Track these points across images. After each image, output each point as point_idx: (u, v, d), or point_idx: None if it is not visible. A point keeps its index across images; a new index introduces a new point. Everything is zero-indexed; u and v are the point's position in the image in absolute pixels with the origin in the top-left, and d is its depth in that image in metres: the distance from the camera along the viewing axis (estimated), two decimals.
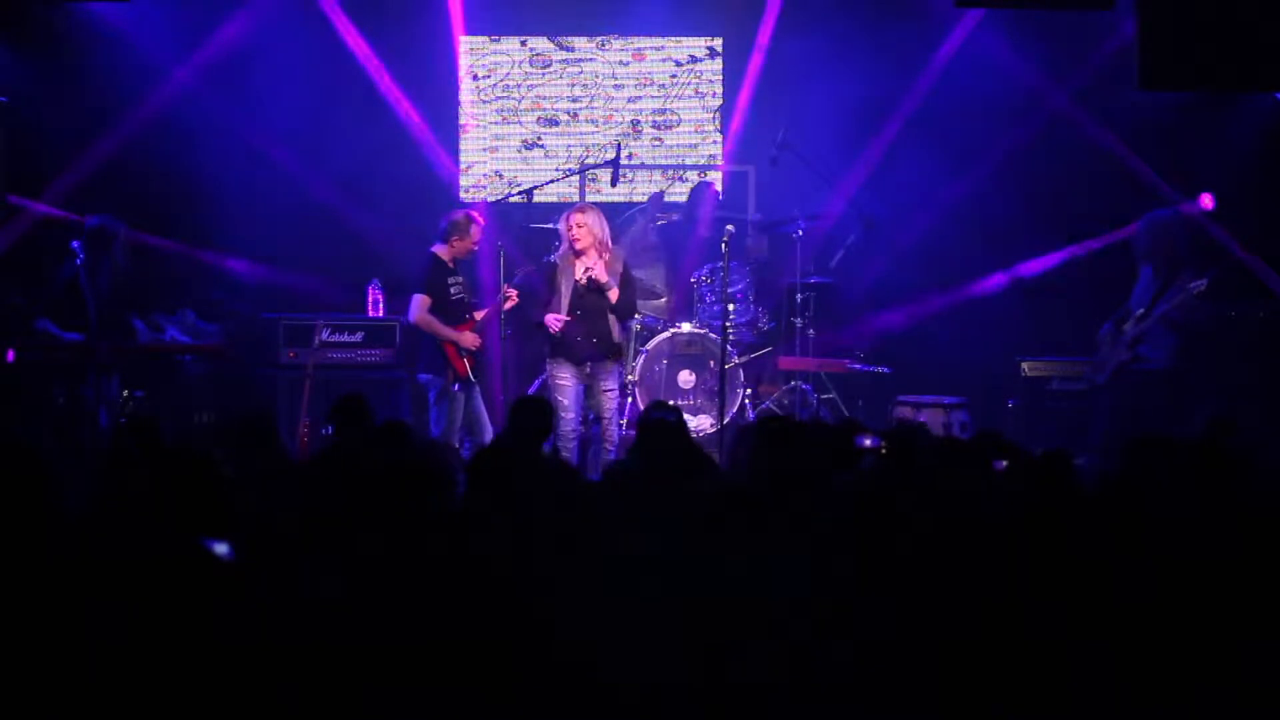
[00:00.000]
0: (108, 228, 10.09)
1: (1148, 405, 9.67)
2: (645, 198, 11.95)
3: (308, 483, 5.49)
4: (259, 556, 4.31)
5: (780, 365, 11.15)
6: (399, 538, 4.46)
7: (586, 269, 9.35)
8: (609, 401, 9.48)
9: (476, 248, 9.97)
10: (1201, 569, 4.49)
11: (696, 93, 12.35)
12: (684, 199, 11.94)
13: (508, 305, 9.77)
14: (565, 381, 9.43)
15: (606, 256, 9.45)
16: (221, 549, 4.14)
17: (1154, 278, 9.99)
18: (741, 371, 10.69)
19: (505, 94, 12.31)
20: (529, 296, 9.86)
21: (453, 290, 9.80)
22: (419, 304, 9.69)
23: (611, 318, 9.45)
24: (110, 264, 10.02)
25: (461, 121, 12.26)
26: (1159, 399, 9.76)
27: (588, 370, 9.46)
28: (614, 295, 9.37)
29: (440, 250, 9.82)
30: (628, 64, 12.35)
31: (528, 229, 11.33)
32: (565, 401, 9.37)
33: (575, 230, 9.37)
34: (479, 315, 9.87)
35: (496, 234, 10.26)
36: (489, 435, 9.71)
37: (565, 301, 9.38)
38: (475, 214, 9.98)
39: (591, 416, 9.77)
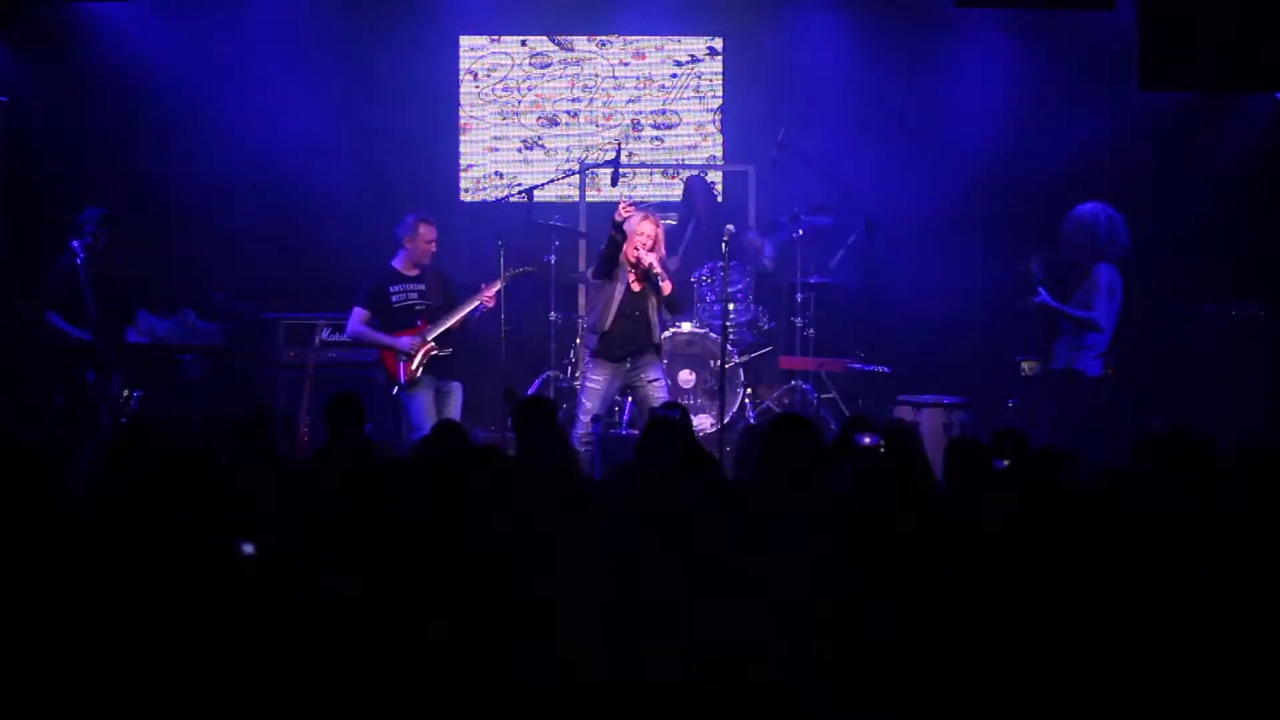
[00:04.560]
0: (93, 222, 10.08)
1: (1081, 409, 9.65)
2: (645, 197, 11.94)
3: (306, 481, 5.49)
4: (259, 555, 4.31)
5: (780, 365, 11.15)
6: (399, 538, 4.46)
7: (650, 263, 9.13)
8: (657, 392, 9.26)
9: (432, 247, 9.88)
10: (1199, 567, 4.49)
11: (696, 93, 12.35)
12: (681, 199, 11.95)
13: (488, 298, 9.73)
14: (596, 385, 9.29)
15: (662, 255, 9.34)
16: (248, 549, 4.14)
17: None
18: (741, 371, 10.68)
19: (505, 94, 12.31)
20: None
21: (396, 298, 9.79)
22: (351, 318, 9.84)
23: (653, 320, 9.32)
24: (106, 258, 10.03)
25: (461, 121, 12.26)
26: (1090, 404, 9.71)
27: (628, 366, 9.30)
28: (667, 287, 9.19)
29: (397, 258, 9.87)
30: (628, 64, 12.35)
31: (528, 229, 11.32)
32: (588, 404, 9.26)
33: (653, 240, 9.19)
34: (457, 318, 9.78)
35: (496, 234, 10.23)
36: None
37: (615, 306, 9.23)
38: (425, 215, 9.92)
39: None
